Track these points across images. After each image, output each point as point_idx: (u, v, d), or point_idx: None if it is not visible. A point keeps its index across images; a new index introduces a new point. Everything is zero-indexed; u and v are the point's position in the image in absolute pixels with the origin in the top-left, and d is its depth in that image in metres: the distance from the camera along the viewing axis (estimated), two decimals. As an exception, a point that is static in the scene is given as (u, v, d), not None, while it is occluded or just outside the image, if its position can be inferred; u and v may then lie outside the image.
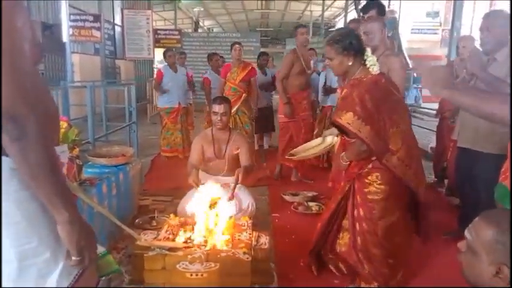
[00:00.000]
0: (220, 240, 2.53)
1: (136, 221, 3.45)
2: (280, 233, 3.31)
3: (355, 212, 2.43)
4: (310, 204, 3.91)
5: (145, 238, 2.56)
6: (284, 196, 4.12)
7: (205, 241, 2.54)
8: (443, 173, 4.78)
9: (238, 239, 2.56)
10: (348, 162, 2.46)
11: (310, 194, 4.16)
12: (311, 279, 2.64)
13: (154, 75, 11.53)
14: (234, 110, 5.05)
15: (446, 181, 4.69)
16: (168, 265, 2.31)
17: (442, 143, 4.64)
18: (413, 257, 2.73)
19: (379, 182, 2.32)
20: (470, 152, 2.95)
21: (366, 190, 2.35)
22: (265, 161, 5.60)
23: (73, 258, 1.11)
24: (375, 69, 2.26)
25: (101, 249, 1.33)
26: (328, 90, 5.17)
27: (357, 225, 2.43)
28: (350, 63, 2.27)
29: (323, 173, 4.95)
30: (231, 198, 3.15)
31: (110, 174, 3.07)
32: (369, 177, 2.34)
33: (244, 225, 2.78)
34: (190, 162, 3.46)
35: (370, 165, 2.34)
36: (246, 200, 3.38)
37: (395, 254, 2.41)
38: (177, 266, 2.24)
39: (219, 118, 3.41)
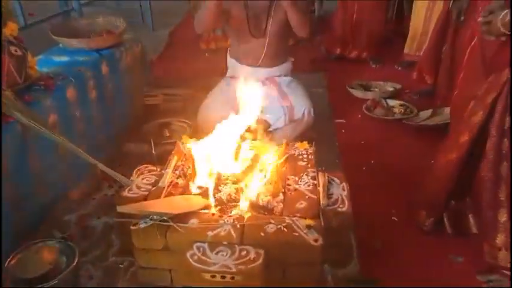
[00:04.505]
0: (261, 194, 1.46)
1: (144, 129, 2.42)
2: (350, 156, 2.18)
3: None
4: (391, 103, 2.67)
5: (137, 183, 1.53)
6: (351, 90, 2.87)
7: (237, 192, 1.48)
8: None
9: (295, 191, 1.47)
10: None
11: (389, 86, 2.88)
12: (410, 247, 1.61)
13: None
14: None
15: None
16: (173, 246, 1.31)
17: None
18: None
19: None
20: None
21: None
22: (319, 34, 4.14)
23: None
24: None
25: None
26: None
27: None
28: None
29: (393, 49, 3.55)
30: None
31: (83, 67, 1.91)
32: None
33: (303, 158, 1.66)
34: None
35: None
36: (301, 104, 2.19)
37: None
38: (188, 254, 1.22)
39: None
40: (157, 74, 3.09)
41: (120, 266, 1.50)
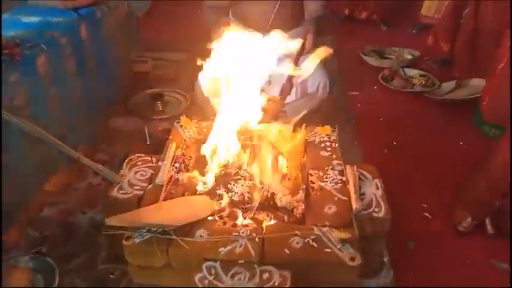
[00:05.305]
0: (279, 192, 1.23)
1: (132, 101, 2.12)
2: (368, 136, 1.93)
3: None
4: (409, 73, 2.40)
5: (129, 179, 1.25)
6: (364, 57, 2.57)
7: (251, 191, 1.23)
8: None
9: (321, 190, 1.22)
10: None
11: (407, 53, 2.59)
12: (446, 249, 1.41)
13: None
14: None
15: None
16: (177, 264, 1.07)
17: None
18: None
19: None
20: None
21: None
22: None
23: None
24: None
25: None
26: None
27: None
28: None
29: (407, 9, 3.22)
30: (286, 91, 1.67)
31: (57, 30, 1.57)
32: None
33: (326, 146, 1.40)
34: (208, 5, 1.90)
35: None
36: (315, 76, 1.89)
37: None
38: (196, 278, 0.98)
39: None
40: (145, 35, 2.72)
41: (111, 276, 1.27)
